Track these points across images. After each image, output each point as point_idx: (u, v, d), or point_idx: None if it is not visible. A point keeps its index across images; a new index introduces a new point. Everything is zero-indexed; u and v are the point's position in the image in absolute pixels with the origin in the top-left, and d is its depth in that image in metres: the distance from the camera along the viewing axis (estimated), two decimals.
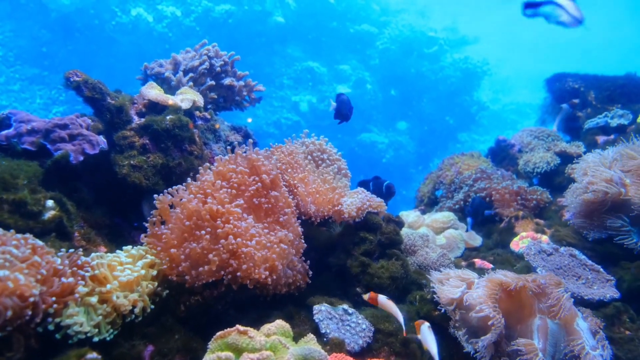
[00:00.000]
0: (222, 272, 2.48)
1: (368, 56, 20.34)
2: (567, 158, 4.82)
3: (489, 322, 2.31)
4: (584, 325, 2.44)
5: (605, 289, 3.00)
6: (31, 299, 1.92)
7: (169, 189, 2.78)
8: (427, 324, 2.35)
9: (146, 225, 2.74)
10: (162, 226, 2.68)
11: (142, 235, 2.71)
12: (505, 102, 26.70)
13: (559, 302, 2.42)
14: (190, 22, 17.62)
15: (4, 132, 2.93)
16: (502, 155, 5.79)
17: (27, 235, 2.18)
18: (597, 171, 3.37)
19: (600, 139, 4.99)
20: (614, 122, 4.95)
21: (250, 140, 3.16)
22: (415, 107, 20.51)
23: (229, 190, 2.74)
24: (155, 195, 2.75)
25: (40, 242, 2.20)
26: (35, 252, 2.11)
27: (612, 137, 4.93)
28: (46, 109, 15.81)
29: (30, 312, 1.93)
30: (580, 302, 2.90)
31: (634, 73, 5.36)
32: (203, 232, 2.50)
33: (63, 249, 2.27)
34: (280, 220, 2.85)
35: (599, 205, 3.32)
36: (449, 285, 2.61)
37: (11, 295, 1.87)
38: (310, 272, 2.96)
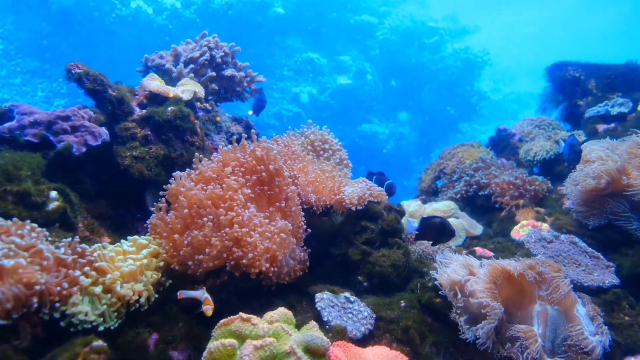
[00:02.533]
0: (225, 256, 2.50)
1: (368, 47, 20.29)
2: None
3: (484, 310, 2.34)
4: (583, 311, 2.46)
5: (605, 276, 3.02)
6: (36, 287, 1.95)
7: (174, 174, 2.82)
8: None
9: (151, 211, 2.77)
10: (167, 213, 2.71)
11: (148, 221, 2.74)
12: (506, 92, 26.65)
13: (558, 288, 2.44)
14: (190, 14, 17.59)
15: (7, 125, 2.94)
16: (503, 144, 5.79)
17: (31, 223, 2.21)
18: (599, 155, 3.39)
19: (601, 127, 4.99)
20: (615, 111, 4.95)
21: (253, 131, 3.18)
22: (416, 97, 20.48)
23: (236, 178, 2.76)
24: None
25: (42, 230, 2.23)
26: (39, 241, 2.13)
27: (612, 125, 4.93)
28: (48, 102, 15.83)
29: (35, 301, 1.96)
30: (580, 288, 2.93)
31: (634, 61, 5.35)
32: (205, 219, 2.52)
33: (70, 239, 2.29)
34: (282, 209, 2.87)
35: (600, 192, 3.34)
36: (451, 271, 2.62)
37: (16, 284, 1.90)
38: (308, 262, 2.98)
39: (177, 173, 2.83)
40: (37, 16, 16.35)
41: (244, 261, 2.48)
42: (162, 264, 2.53)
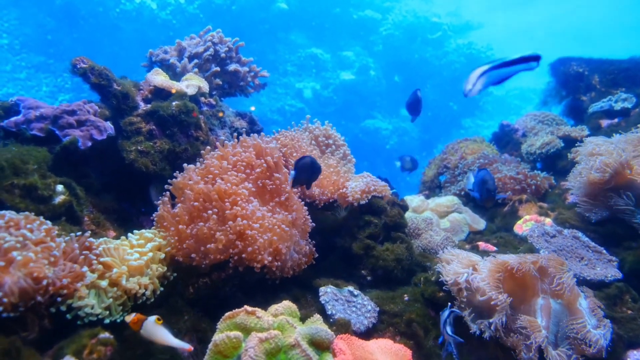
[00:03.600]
0: (230, 251, 2.51)
1: (372, 42, 20.27)
2: (570, 142, 4.82)
3: (492, 302, 2.35)
4: (586, 305, 2.48)
5: (608, 270, 3.03)
6: (44, 282, 1.97)
7: (185, 165, 2.84)
8: (150, 319, 2.00)
9: (156, 205, 2.80)
10: (172, 207, 2.73)
11: (154, 215, 2.76)
12: (509, 88, 26.55)
13: (562, 282, 2.46)
14: (193, 9, 17.61)
15: (13, 119, 2.96)
16: (506, 140, 5.79)
17: (40, 218, 2.23)
18: (605, 149, 3.39)
19: (605, 122, 4.99)
20: (618, 106, 4.95)
21: (259, 129, 3.20)
22: None
23: (237, 173, 2.78)
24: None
25: (51, 224, 2.25)
26: (48, 235, 2.15)
27: (616, 120, 4.92)
28: (52, 97, 15.86)
29: (43, 294, 1.98)
30: (583, 282, 2.93)
31: (638, 56, 5.33)
32: (210, 212, 2.54)
33: (78, 233, 2.32)
34: (283, 203, 2.88)
35: (604, 184, 3.34)
36: (455, 266, 2.64)
37: (25, 277, 1.92)
38: (316, 254, 3.00)
39: (189, 166, 2.84)
40: (41, 11, 16.38)
41: (244, 255, 2.50)
42: (163, 256, 2.55)
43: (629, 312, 2.76)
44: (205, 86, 3.79)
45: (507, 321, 2.39)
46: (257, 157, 2.93)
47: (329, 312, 2.53)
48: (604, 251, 3.21)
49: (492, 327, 2.33)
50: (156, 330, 1.99)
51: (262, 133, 3.11)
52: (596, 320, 2.41)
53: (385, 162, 18.27)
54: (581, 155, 3.61)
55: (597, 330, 2.34)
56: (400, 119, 20.07)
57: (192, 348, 2.03)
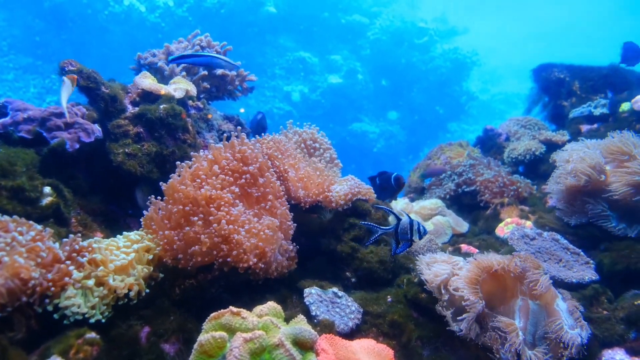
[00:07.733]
0: (215, 253, 2.54)
1: (359, 46, 20.35)
2: (552, 146, 4.92)
3: (464, 303, 2.41)
4: (563, 305, 2.54)
5: (585, 272, 3.11)
6: (31, 282, 1.99)
7: (178, 164, 2.86)
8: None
9: (142, 207, 2.80)
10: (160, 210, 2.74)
11: (143, 217, 2.78)
12: (494, 92, 26.80)
13: (537, 281, 2.52)
14: (182, 12, 17.57)
15: (1, 121, 2.97)
16: (490, 144, 5.87)
17: (29, 221, 2.25)
18: (580, 155, 3.47)
19: (584, 127, 5.09)
20: (597, 112, 5.05)
21: (239, 128, 3.21)
22: (405, 97, 20.56)
23: (224, 177, 2.80)
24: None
25: (39, 227, 2.27)
26: (36, 237, 2.17)
27: (595, 125, 5.03)
28: (40, 98, 15.74)
29: (30, 294, 2.01)
30: (561, 284, 3.00)
31: (617, 64, 5.45)
32: (196, 218, 2.57)
33: (71, 235, 2.34)
34: (268, 208, 2.91)
35: (580, 189, 3.43)
36: (436, 268, 2.69)
37: (12, 278, 1.94)
38: (296, 258, 3.03)
39: (182, 165, 2.85)
40: (29, 13, 16.28)
41: (229, 259, 2.53)
42: (151, 257, 2.57)
43: (605, 312, 2.83)
44: (193, 90, 3.82)
45: (487, 321, 2.45)
46: (240, 162, 2.95)
47: (313, 313, 2.57)
48: (582, 253, 3.29)
49: (464, 324, 2.39)
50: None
51: (242, 135, 3.08)
52: (573, 321, 2.47)
53: (372, 166, 18.34)
54: (559, 161, 3.70)
55: (574, 331, 2.40)
56: (387, 122, 20.17)
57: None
